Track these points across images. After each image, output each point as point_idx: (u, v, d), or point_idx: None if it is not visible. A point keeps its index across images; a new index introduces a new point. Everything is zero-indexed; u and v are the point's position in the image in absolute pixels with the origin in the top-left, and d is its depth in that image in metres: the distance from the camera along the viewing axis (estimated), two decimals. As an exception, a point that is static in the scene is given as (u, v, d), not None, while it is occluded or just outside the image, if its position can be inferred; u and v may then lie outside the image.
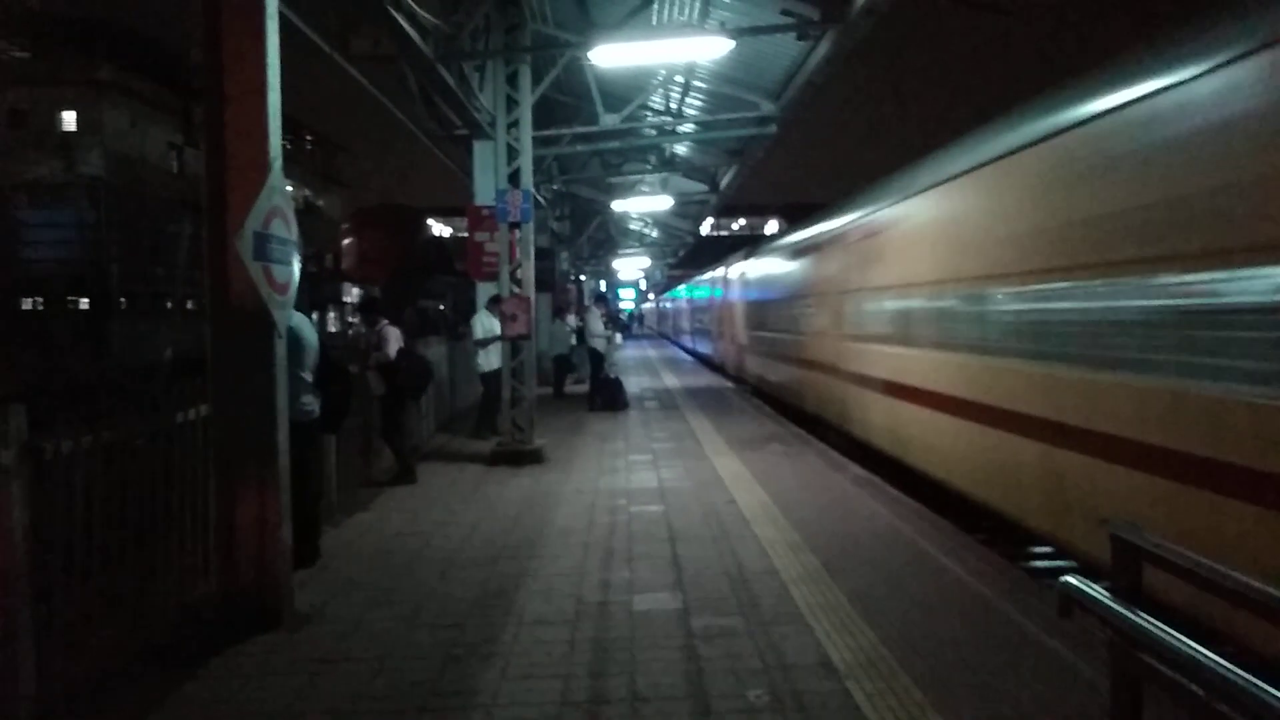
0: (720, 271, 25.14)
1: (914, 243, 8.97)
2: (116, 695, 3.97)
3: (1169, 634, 2.48)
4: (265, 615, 4.78)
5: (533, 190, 10.67)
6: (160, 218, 33.98)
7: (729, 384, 20.21)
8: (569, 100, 15.18)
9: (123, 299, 32.61)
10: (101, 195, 31.91)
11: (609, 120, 14.05)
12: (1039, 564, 7.52)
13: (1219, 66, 4.44)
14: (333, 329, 47.90)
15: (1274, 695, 2.07)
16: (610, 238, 34.35)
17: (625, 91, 14.25)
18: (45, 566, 3.72)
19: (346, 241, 63.22)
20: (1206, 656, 2.31)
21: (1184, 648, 2.39)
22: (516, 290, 10.19)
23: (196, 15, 4.81)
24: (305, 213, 44.95)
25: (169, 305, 35.03)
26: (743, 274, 20.77)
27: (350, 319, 48.10)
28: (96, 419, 4.10)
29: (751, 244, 21.90)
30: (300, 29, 8.39)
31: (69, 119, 36.05)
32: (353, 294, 54.38)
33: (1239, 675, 2.19)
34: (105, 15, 39.15)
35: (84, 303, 32.11)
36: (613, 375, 16.12)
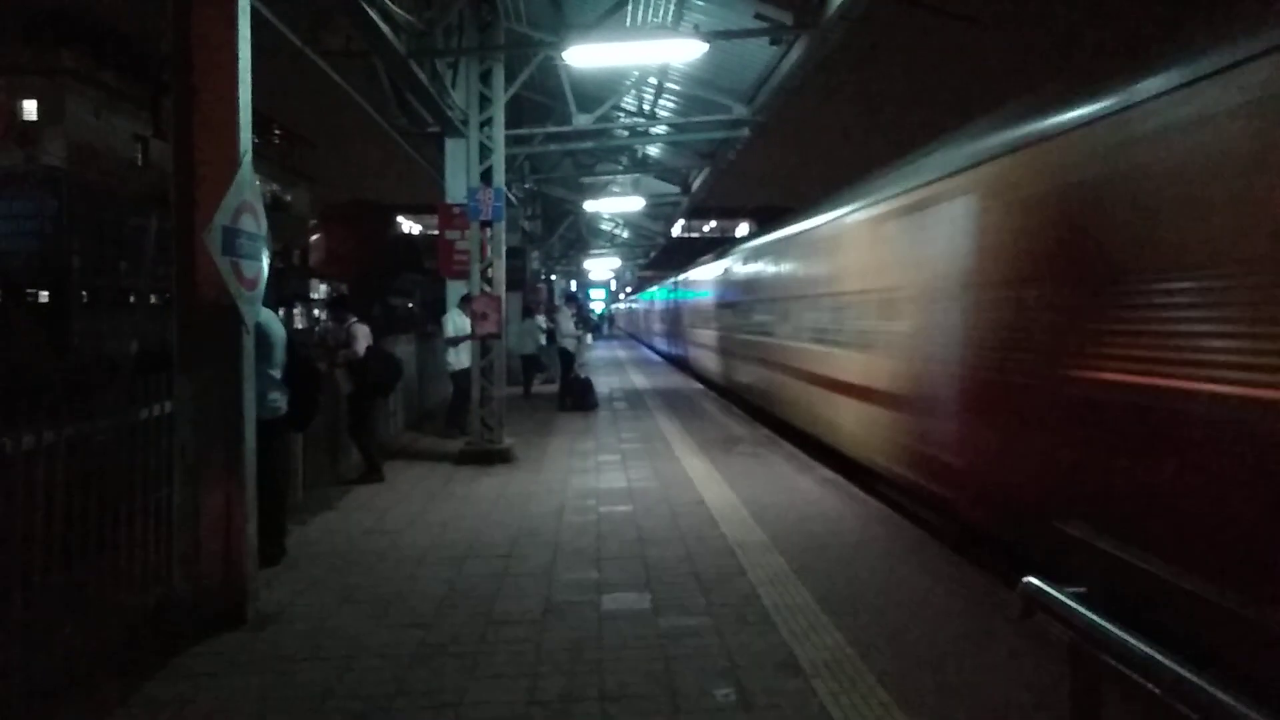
0: (688, 274, 25.19)
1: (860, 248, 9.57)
2: (78, 695, 3.91)
3: (1128, 635, 2.53)
4: (230, 614, 4.73)
5: (505, 189, 10.64)
6: (125, 210, 33.42)
7: (697, 385, 20.27)
8: (542, 99, 15.14)
9: (85, 292, 31.99)
10: (63, 186, 31.28)
11: (582, 120, 14.04)
12: (1001, 566, 7.61)
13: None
14: (299, 325, 47.42)
15: (1224, 696, 2.13)
16: (581, 238, 34.30)
17: (598, 92, 14.24)
18: (4, 565, 3.66)
19: (315, 237, 62.67)
20: (1164, 657, 2.37)
21: (1142, 649, 2.45)
22: (487, 289, 10.16)
23: (166, 6, 4.75)
24: (273, 208, 44.46)
25: (133, 299, 34.45)
26: (710, 276, 20.85)
27: (317, 313, 47.66)
28: (57, 414, 4.03)
29: (720, 247, 21.99)
30: (271, 22, 8.30)
31: (30, 108, 35.44)
32: (320, 290, 53.88)
33: (1193, 675, 2.25)
34: (69, 3, 38.50)
35: (44, 295, 31.49)
36: (583, 375, 16.12)
